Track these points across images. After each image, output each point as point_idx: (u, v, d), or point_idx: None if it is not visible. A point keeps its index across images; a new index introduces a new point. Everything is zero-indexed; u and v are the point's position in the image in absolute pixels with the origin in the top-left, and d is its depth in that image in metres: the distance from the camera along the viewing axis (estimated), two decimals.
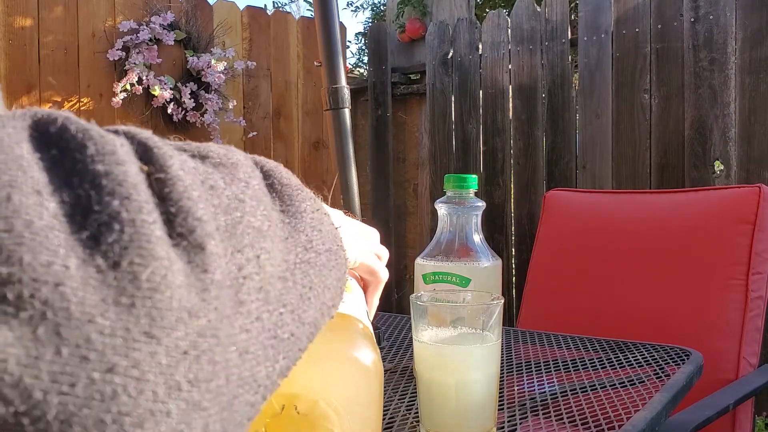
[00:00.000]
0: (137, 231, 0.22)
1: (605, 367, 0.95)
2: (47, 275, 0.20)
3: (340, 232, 0.38)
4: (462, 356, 0.65)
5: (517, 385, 0.88)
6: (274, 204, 0.31)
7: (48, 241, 0.20)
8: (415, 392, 0.74)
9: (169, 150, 0.26)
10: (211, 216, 0.26)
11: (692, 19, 2.17)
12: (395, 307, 2.98)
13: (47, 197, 0.21)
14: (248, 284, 0.27)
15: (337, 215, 0.53)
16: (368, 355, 0.48)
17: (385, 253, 0.57)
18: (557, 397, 0.83)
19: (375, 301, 0.58)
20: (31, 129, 0.23)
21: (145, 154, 0.25)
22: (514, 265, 2.62)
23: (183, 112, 2.57)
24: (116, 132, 0.26)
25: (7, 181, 0.20)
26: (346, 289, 0.42)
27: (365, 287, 0.57)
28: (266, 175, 0.33)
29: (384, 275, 0.56)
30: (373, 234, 0.55)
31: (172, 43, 2.55)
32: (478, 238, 0.89)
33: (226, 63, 2.65)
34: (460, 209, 0.89)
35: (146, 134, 0.26)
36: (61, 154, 0.23)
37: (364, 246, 0.52)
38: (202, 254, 0.24)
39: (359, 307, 0.53)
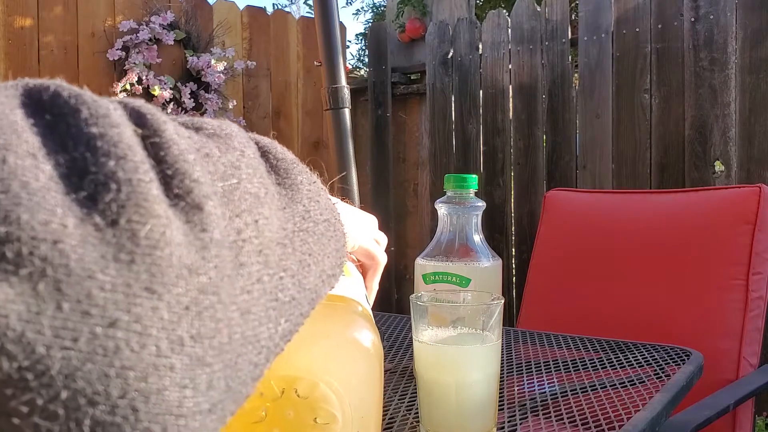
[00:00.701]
0: (134, 190, 0.22)
1: (605, 367, 0.95)
2: (45, 233, 0.20)
3: (338, 212, 0.39)
4: (462, 356, 0.65)
5: (517, 385, 0.88)
6: (269, 176, 0.32)
7: (45, 201, 0.20)
8: (415, 392, 0.74)
9: (163, 116, 0.26)
10: (208, 180, 0.26)
11: (692, 19, 2.17)
12: (395, 307, 2.98)
13: (42, 160, 0.21)
14: (248, 247, 0.27)
15: (334, 201, 0.53)
16: (368, 336, 0.48)
17: (383, 239, 0.57)
18: (557, 397, 0.83)
19: (374, 286, 0.58)
20: (23, 96, 0.23)
21: (138, 119, 0.25)
22: (514, 265, 2.62)
23: (183, 112, 2.57)
24: (109, 100, 0.26)
25: (2, 144, 0.21)
26: (344, 273, 0.42)
27: (364, 271, 0.57)
28: (261, 149, 0.33)
29: (383, 259, 0.56)
30: (371, 220, 0.55)
31: (172, 42, 2.55)
32: (478, 238, 0.89)
33: (225, 63, 2.65)
34: (460, 209, 0.89)
35: (139, 102, 0.26)
36: (55, 119, 0.23)
37: (362, 230, 0.53)
38: (200, 214, 0.24)
39: (358, 290, 0.53)
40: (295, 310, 0.31)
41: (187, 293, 0.23)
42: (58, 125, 0.23)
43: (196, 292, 0.23)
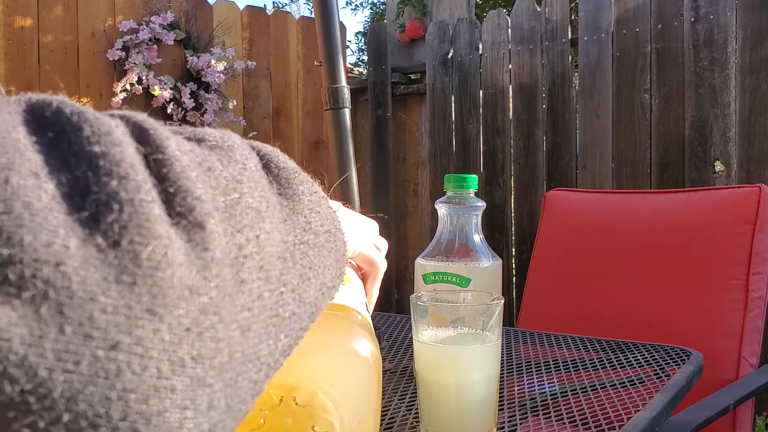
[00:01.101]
0: (136, 210, 0.22)
1: (605, 367, 0.95)
2: (48, 255, 0.20)
3: (339, 222, 0.39)
4: (462, 356, 0.65)
5: (517, 385, 0.88)
6: (271, 187, 0.32)
7: (47, 221, 0.20)
8: (415, 392, 0.74)
9: (165, 131, 0.26)
10: (210, 196, 0.26)
11: (692, 19, 2.17)
12: (395, 307, 2.98)
13: (45, 179, 0.21)
14: (249, 263, 0.27)
15: (335, 206, 0.53)
16: (366, 347, 0.48)
17: (383, 244, 0.57)
18: (557, 397, 0.83)
19: (375, 292, 0.59)
20: (26, 113, 0.23)
21: (141, 135, 0.25)
22: (514, 265, 2.62)
23: (183, 112, 2.57)
24: (111, 115, 0.26)
25: (5, 163, 0.21)
26: (344, 281, 0.42)
27: (364, 278, 0.57)
28: (263, 159, 0.33)
29: (383, 265, 0.56)
30: (371, 225, 0.55)
31: (172, 42, 2.55)
32: (478, 238, 0.89)
33: (225, 63, 2.65)
34: (460, 209, 0.89)
35: (141, 116, 0.26)
36: (57, 137, 0.23)
37: (362, 236, 0.53)
38: (202, 233, 0.24)
39: (358, 298, 0.53)
40: (295, 325, 0.31)
41: (188, 314, 0.23)
42: (61, 143, 0.23)
43: (197, 313, 0.23)
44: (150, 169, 0.24)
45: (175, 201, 0.24)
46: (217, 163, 0.28)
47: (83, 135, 0.23)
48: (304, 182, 0.34)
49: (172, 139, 0.26)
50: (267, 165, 0.33)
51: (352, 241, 0.48)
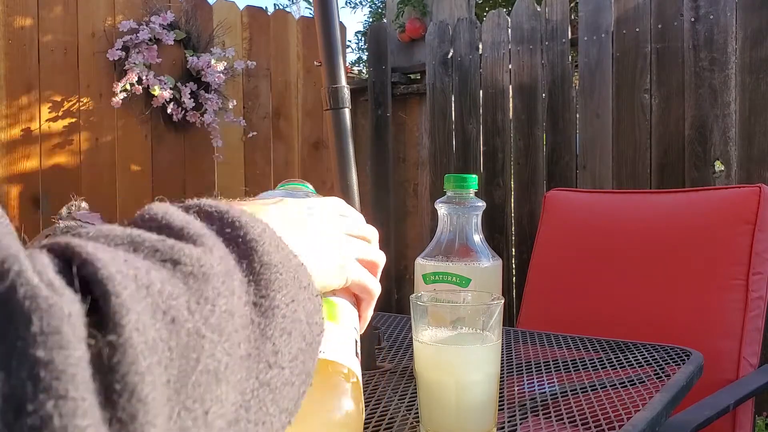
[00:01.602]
0: None
1: (605, 367, 0.95)
2: None
3: (332, 249, 0.36)
4: (462, 356, 0.65)
5: (517, 385, 0.88)
6: (247, 295, 0.30)
7: None
8: (415, 392, 0.74)
9: (128, 299, 0.24)
10: (160, 373, 0.25)
11: (692, 19, 2.17)
12: (395, 307, 2.98)
13: None
14: None
15: (335, 205, 0.51)
16: (347, 411, 0.47)
17: (381, 259, 0.55)
18: (557, 397, 0.83)
19: (368, 315, 0.56)
20: None
21: (103, 303, 0.24)
22: (514, 265, 2.61)
23: (183, 112, 2.57)
24: (79, 267, 0.24)
25: None
26: (331, 319, 0.40)
27: (358, 302, 0.54)
28: (249, 249, 0.31)
29: (376, 291, 0.53)
30: (372, 234, 0.54)
31: (172, 42, 2.55)
32: (478, 238, 0.89)
33: (225, 63, 2.65)
34: (460, 209, 0.89)
35: (110, 269, 0.25)
36: (4, 325, 0.21)
37: (355, 266, 0.50)
38: None
39: (345, 341, 0.50)
40: None
41: None
42: (7, 334, 0.21)
43: None
44: (101, 357, 0.23)
45: (119, 403, 0.23)
46: (184, 311, 0.27)
47: (31, 330, 0.22)
48: (284, 287, 0.32)
49: (133, 310, 0.24)
50: (250, 260, 0.31)
51: (344, 272, 0.47)
